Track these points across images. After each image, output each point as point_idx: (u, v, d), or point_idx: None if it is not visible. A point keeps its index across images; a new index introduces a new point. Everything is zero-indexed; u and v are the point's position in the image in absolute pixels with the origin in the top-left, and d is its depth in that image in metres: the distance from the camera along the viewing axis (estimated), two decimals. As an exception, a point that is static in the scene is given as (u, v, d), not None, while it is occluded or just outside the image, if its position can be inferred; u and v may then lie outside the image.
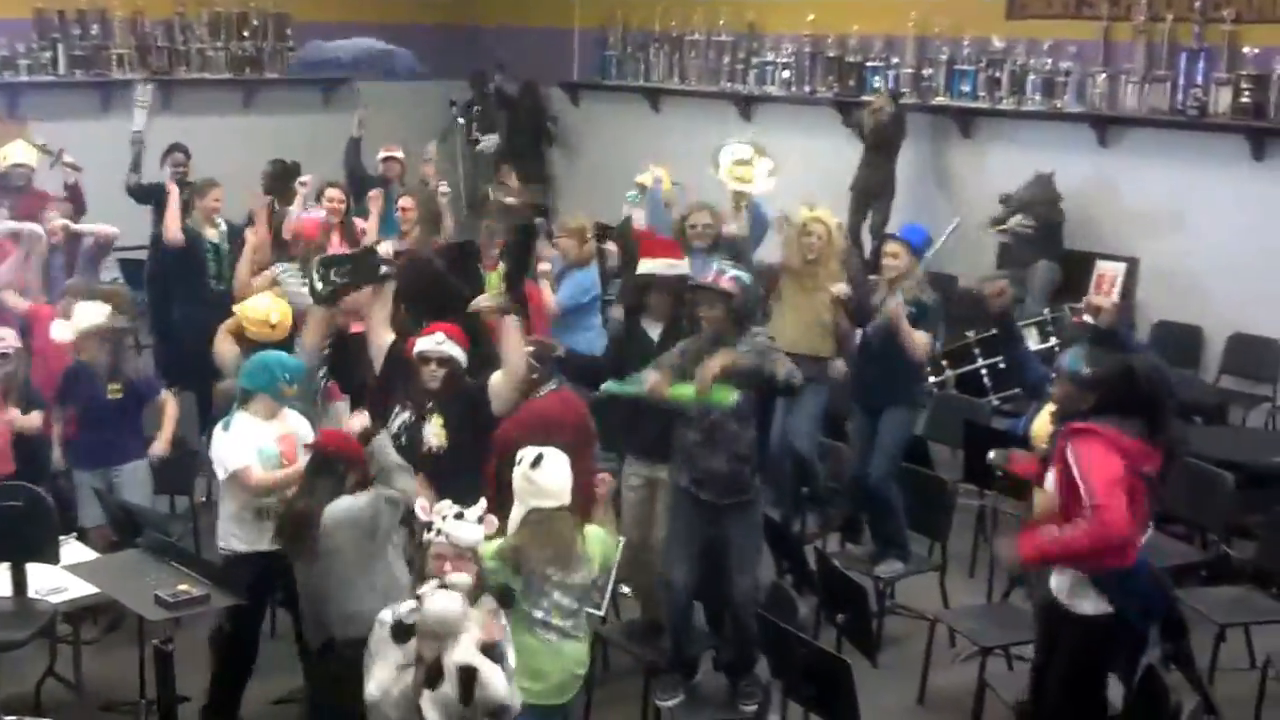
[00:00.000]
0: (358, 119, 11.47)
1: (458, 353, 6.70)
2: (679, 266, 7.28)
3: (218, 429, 6.55)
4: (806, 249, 8.32)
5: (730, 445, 6.45)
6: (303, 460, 6.18)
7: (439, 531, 5.08)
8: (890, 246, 8.06)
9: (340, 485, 5.79)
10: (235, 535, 6.47)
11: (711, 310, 6.50)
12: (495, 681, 4.81)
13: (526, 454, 5.64)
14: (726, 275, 6.55)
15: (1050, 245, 10.63)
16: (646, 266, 7.29)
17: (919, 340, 7.80)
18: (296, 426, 6.62)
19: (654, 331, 7.19)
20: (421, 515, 5.20)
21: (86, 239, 9.39)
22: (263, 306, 7.34)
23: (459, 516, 5.09)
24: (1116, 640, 5.54)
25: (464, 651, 4.82)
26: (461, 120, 14.83)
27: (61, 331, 7.67)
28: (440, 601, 4.87)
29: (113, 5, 13.30)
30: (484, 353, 7.06)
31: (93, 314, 7.60)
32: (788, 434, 8.29)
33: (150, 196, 10.32)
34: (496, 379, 6.64)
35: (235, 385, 6.73)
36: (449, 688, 4.81)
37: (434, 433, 6.65)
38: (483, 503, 5.27)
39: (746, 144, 9.39)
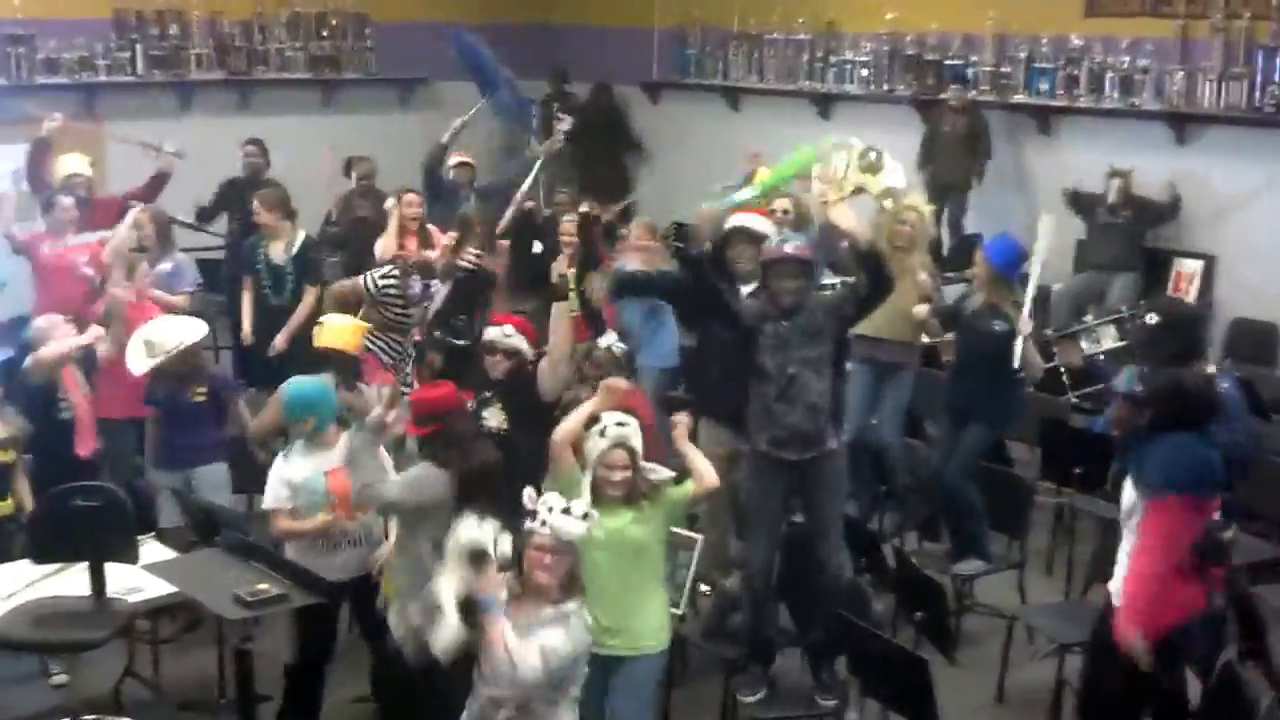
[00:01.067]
0: (454, 128, 11.21)
1: (524, 346, 6.89)
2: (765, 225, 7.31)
3: (279, 458, 6.63)
4: (896, 236, 8.21)
5: (807, 396, 6.53)
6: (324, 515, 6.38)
7: (543, 523, 5.10)
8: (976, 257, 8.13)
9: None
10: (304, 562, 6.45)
11: (794, 281, 6.57)
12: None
13: (607, 419, 5.79)
14: (791, 244, 6.65)
15: (1132, 246, 10.64)
16: (736, 219, 7.33)
17: (1037, 362, 7.85)
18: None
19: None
20: (528, 504, 5.23)
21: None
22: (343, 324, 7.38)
23: (565, 511, 5.11)
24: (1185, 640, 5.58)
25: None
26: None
27: (138, 365, 7.55)
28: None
29: (191, 6, 13.45)
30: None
31: (184, 331, 7.62)
32: (874, 425, 8.35)
33: (211, 218, 10.44)
34: (543, 365, 6.83)
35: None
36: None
37: (494, 415, 6.80)
38: (587, 497, 5.41)
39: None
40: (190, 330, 7.59)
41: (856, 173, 7.75)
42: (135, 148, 10.59)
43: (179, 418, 7.60)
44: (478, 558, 4.93)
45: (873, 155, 7.70)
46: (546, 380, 6.85)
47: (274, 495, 6.50)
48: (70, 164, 9.86)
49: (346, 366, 7.11)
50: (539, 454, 6.21)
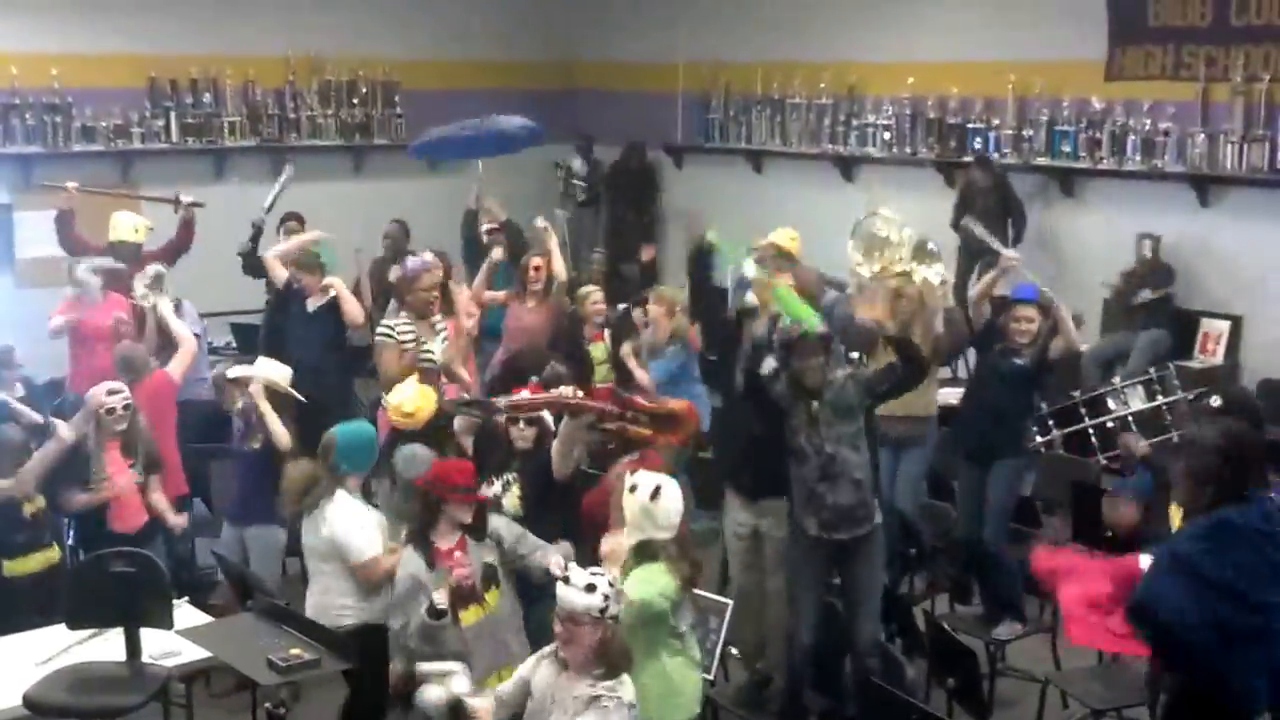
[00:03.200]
0: (475, 194, 11.48)
1: (548, 416, 6.92)
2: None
3: (361, 505, 6.65)
4: (899, 312, 8.15)
5: (850, 473, 6.62)
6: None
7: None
8: (1024, 311, 8.13)
9: None
10: (349, 609, 6.55)
11: (816, 358, 6.64)
12: None
13: (643, 482, 5.76)
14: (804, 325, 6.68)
15: (1163, 311, 10.68)
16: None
17: (1075, 332, 7.94)
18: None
19: None
20: (555, 572, 5.32)
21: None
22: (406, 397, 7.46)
23: (580, 583, 5.10)
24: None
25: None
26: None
27: (235, 371, 7.98)
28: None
29: (225, 74, 13.65)
30: None
31: (277, 372, 7.81)
32: (891, 495, 8.38)
33: (260, 270, 10.57)
34: (555, 446, 6.78)
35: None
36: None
37: (511, 499, 6.78)
38: (615, 571, 5.42)
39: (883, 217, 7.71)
40: (279, 370, 7.81)
41: (908, 261, 7.61)
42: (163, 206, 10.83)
43: (235, 467, 7.81)
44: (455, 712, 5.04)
45: (931, 247, 7.72)
46: (558, 461, 6.80)
47: (373, 543, 6.54)
48: (122, 228, 10.01)
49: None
50: (554, 532, 6.35)
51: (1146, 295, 10.63)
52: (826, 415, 6.65)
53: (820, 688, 7.02)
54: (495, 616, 6.18)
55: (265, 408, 7.59)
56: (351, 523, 6.56)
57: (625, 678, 5.08)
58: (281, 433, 7.53)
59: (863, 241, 7.43)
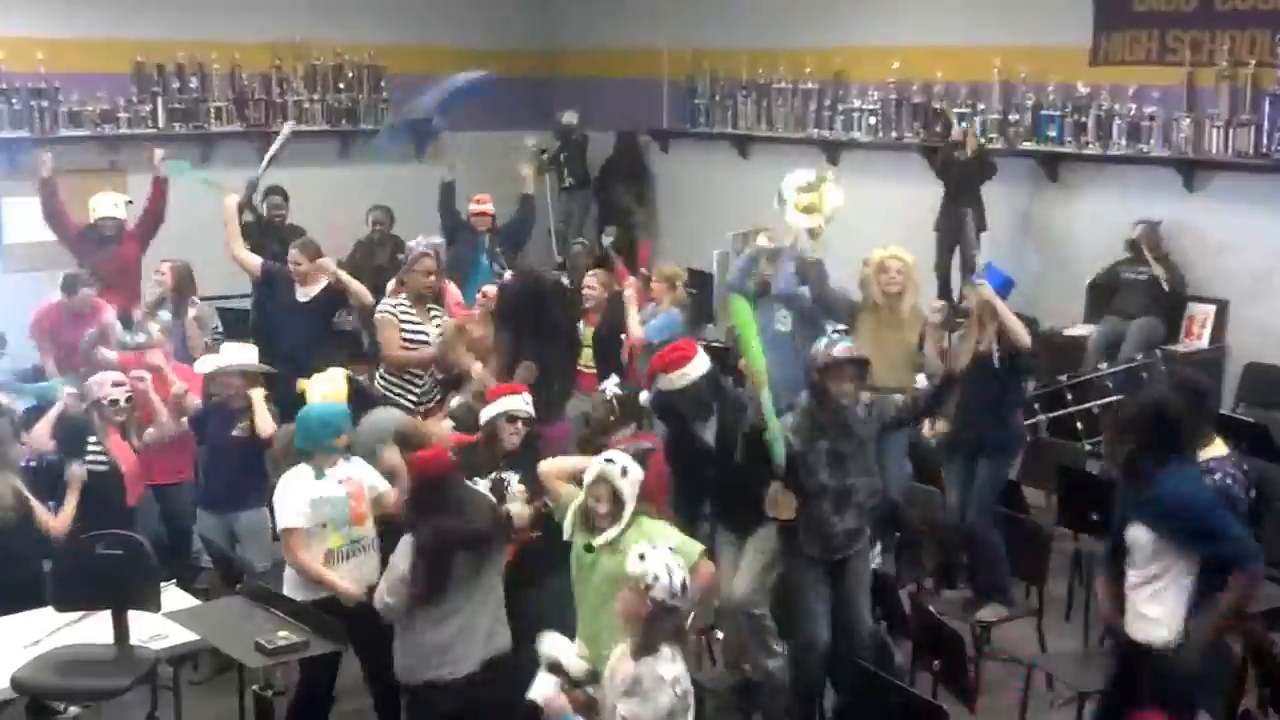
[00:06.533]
0: (448, 165, 11.49)
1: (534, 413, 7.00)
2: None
3: (307, 478, 6.64)
4: (888, 284, 8.50)
5: (858, 498, 6.73)
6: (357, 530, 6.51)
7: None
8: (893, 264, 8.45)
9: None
10: (295, 586, 6.59)
11: (852, 383, 6.68)
12: None
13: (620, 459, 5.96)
14: (840, 345, 6.72)
15: (1158, 297, 10.67)
16: None
17: (1017, 324, 7.85)
18: (357, 471, 6.77)
19: None
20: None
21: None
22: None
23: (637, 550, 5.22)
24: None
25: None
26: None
27: (205, 365, 8.03)
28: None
29: (211, 59, 13.66)
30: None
31: (242, 354, 7.91)
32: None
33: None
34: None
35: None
36: None
37: (518, 500, 6.71)
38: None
39: (808, 170, 9.06)
40: (248, 354, 7.91)
41: (797, 209, 8.52)
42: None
43: (221, 455, 7.83)
44: (554, 668, 5.04)
45: (806, 179, 8.51)
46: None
47: (294, 515, 6.54)
48: (104, 206, 10.21)
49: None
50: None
51: (1161, 273, 10.56)
52: (847, 447, 6.70)
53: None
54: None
55: (258, 402, 7.70)
56: (283, 491, 6.62)
57: (666, 651, 5.06)
58: (270, 424, 7.61)
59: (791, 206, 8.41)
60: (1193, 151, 10.75)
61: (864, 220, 9.76)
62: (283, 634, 5.98)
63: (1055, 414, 9.80)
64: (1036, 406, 9.88)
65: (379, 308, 8.99)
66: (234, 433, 7.77)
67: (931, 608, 7.12)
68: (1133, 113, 11.09)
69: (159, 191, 10.68)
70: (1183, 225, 10.75)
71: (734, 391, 7.19)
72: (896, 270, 8.52)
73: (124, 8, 13.08)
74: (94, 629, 6.64)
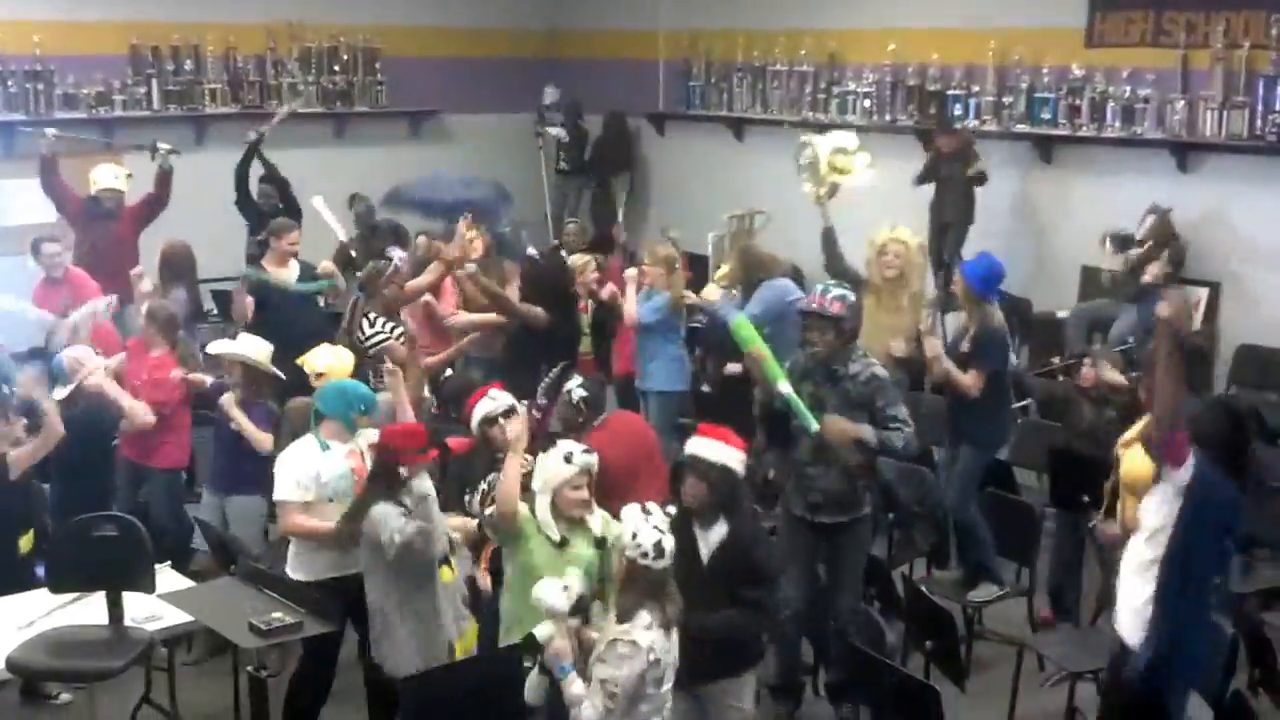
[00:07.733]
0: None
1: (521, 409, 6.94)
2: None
3: (312, 450, 6.60)
4: (886, 267, 8.54)
5: (841, 460, 6.63)
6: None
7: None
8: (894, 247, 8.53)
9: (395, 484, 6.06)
10: (298, 566, 6.58)
11: (823, 336, 6.64)
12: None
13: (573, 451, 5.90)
14: (830, 296, 6.68)
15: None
16: None
17: (964, 381, 7.82)
18: (362, 440, 6.68)
19: None
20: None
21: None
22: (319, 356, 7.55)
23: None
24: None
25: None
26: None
27: (216, 347, 8.06)
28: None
29: (206, 41, 13.62)
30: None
31: (253, 347, 7.83)
32: None
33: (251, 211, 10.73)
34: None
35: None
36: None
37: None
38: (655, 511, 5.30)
39: (850, 135, 9.24)
40: (259, 350, 7.82)
41: (830, 164, 8.80)
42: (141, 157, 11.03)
43: (221, 437, 7.85)
44: (552, 615, 5.05)
45: (850, 143, 8.79)
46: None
47: (294, 487, 6.52)
48: (104, 178, 10.31)
49: None
50: None
51: (1155, 271, 10.40)
52: (833, 400, 6.65)
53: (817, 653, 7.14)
54: (453, 585, 6.32)
55: (237, 415, 7.69)
56: (285, 459, 6.62)
57: (644, 617, 5.04)
58: (257, 435, 7.63)
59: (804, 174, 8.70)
60: (1187, 134, 10.76)
61: (858, 203, 9.73)
62: (277, 615, 5.97)
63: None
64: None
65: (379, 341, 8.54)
66: (231, 425, 7.76)
67: (924, 588, 7.13)
68: (1127, 95, 11.10)
69: (165, 187, 10.76)
70: (1176, 208, 10.74)
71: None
72: (895, 254, 8.54)
73: (119, -10, 13.06)
74: (89, 611, 6.65)
